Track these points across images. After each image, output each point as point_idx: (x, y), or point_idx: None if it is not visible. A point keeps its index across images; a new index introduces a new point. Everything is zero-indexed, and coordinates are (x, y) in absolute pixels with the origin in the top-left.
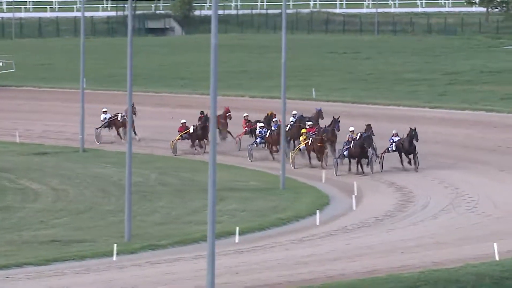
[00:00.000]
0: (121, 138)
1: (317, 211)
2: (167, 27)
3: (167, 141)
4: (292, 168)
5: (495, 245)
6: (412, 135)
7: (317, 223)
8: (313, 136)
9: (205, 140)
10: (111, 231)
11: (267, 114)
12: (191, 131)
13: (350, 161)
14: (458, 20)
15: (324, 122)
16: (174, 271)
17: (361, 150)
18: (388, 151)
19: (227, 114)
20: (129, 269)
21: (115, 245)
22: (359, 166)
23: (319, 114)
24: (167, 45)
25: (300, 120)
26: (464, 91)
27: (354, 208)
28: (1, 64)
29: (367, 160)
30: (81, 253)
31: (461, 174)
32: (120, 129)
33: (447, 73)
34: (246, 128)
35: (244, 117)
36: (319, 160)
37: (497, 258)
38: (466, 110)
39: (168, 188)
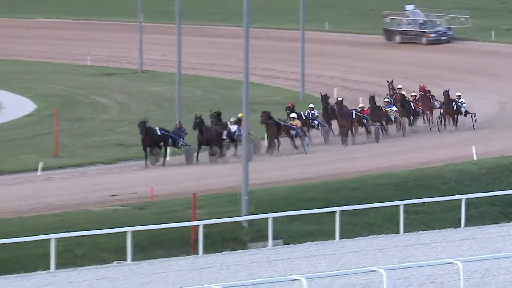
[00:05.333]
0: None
1: None
2: None
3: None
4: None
5: (473, 148)
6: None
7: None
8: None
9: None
10: None
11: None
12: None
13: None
14: None
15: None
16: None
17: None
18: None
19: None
20: (179, 167)
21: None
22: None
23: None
24: None
25: (373, 102)
26: None
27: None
28: None
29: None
30: (139, 154)
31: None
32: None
33: None
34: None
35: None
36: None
37: (475, 158)
38: None
39: (209, 102)
